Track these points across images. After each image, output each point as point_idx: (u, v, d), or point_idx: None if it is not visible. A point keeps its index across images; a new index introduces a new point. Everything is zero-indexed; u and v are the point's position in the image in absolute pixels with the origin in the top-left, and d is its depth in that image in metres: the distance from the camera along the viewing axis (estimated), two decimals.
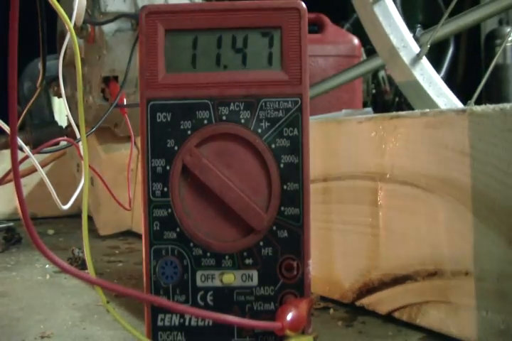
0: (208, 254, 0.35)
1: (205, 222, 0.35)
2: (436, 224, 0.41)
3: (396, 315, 0.45)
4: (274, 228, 0.35)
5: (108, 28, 0.70)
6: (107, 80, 0.74)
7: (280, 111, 0.34)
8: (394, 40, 0.60)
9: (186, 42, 0.35)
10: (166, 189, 0.35)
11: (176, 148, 0.34)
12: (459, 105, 0.60)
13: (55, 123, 0.80)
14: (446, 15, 0.61)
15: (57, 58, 0.54)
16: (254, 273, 0.35)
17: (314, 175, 0.47)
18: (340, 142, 0.51)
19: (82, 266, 0.66)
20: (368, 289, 0.48)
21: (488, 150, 0.36)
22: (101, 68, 0.72)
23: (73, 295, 0.58)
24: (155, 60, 0.34)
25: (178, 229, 0.35)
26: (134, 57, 0.63)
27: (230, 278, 0.35)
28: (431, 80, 0.59)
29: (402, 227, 0.45)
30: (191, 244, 0.34)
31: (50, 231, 0.98)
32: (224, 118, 0.35)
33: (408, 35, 0.62)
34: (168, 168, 0.35)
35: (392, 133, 0.45)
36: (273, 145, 0.34)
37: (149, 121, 0.34)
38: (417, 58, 0.59)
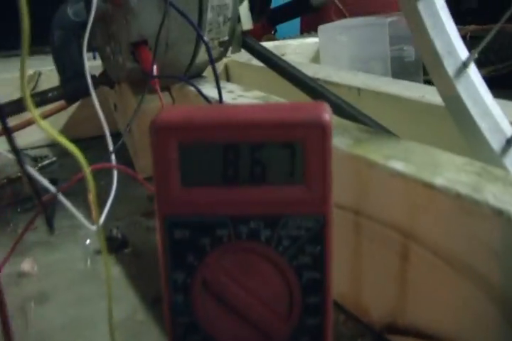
0: None
1: (228, 330, 0.34)
2: (458, 303, 0.37)
3: None
4: (295, 335, 0.33)
5: None
6: (136, 43, 0.69)
7: (302, 229, 0.32)
8: (438, 44, 0.48)
9: (201, 157, 0.32)
10: (187, 299, 0.34)
11: (195, 263, 0.33)
12: (506, 129, 0.46)
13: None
14: (502, 21, 0.46)
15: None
16: None
17: (345, 203, 0.45)
18: (372, 184, 0.43)
19: (121, 246, 0.64)
20: (394, 329, 0.44)
21: None
22: (129, 34, 0.68)
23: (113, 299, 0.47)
24: (169, 175, 0.32)
25: (201, 335, 0.34)
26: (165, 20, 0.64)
27: None
28: (476, 96, 0.47)
29: (428, 292, 0.40)
30: None
31: None
32: (244, 236, 0.32)
33: (456, 38, 0.47)
34: (188, 281, 0.33)
35: (424, 203, 0.38)
36: (294, 262, 0.32)
37: (167, 236, 0.33)
38: (462, 68, 0.47)
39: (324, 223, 0.32)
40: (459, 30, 1.19)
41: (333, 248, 0.32)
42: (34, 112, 0.35)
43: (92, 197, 0.37)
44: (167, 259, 0.34)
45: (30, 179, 0.38)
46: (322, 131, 0.30)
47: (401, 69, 1.03)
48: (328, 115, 0.30)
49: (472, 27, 1.28)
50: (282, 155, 0.31)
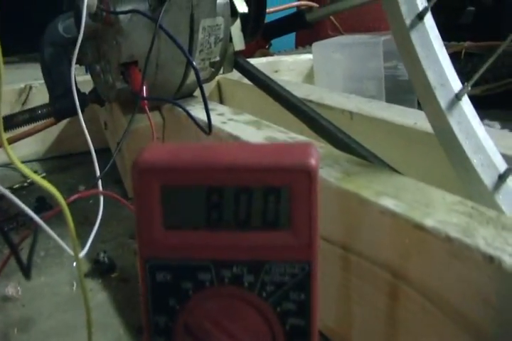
0: None
1: None
2: None
3: None
4: None
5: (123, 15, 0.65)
6: (126, 63, 0.68)
7: (286, 275, 0.31)
8: (430, 76, 0.46)
9: (184, 200, 0.30)
10: None
11: (177, 307, 0.32)
12: (499, 164, 0.44)
13: (78, 90, 0.70)
14: (499, 51, 0.45)
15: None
16: None
17: (334, 237, 0.44)
18: (362, 220, 0.41)
19: (108, 270, 0.63)
20: None
21: None
22: (119, 54, 0.67)
23: (97, 326, 0.51)
24: (151, 218, 0.30)
25: None
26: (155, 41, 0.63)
27: None
28: (469, 130, 0.45)
29: (417, 333, 0.38)
30: None
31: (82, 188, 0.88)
32: (226, 280, 0.31)
33: (449, 69, 0.45)
34: (170, 324, 0.32)
35: (414, 244, 0.37)
36: (278, 309, 0.31)
37: (149, 279, 0.32)
38: (455, 100, 0.45)
39: (310, 270, 0.30)
40: (454, 46, 1.18)
41: (319, 295, 0.31)
42: (3, 137, 0.34)
43: (70, 231, 0.36)
44: (149, 302, 0.32)
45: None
46: (308, 177, 0.29)
47: (395, 88, 1.02)
48: (314, 159, 0.29)
49: (467, 43, 1.28)
50: (267, 200, 0.30)
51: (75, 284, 0.61)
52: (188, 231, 0.31)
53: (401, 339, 0.40)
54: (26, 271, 0.38)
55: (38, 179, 0.32)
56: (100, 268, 0.63)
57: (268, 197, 0.30)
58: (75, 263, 0.65)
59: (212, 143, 0.53)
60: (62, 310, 0.56)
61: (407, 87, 1.01)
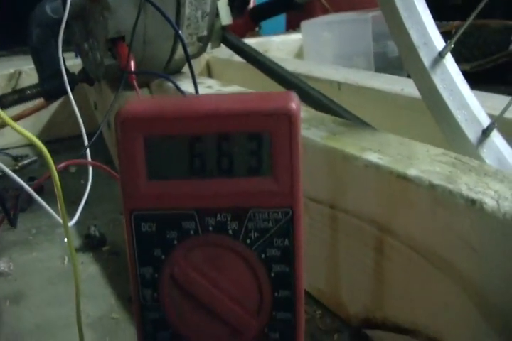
0: None
1: (197, 326, 0.32)
2: (434, 297, 0.37)
3: None
4: (266, 331, 0.32)
5: None
6: (113, 39, 0.68)
7: (270, 221, 0.30)
8: (413, 35, 0.45)
9: (167, 149, 0.30)
10: (155, 294, 0.32)
11: (162, 257, 0.32)
12: (482, 120, 0.44)
13: (67, 71, 0.70)
14: (476, 11, 0.46)
15: None
16: None
17: (321, 197, 0.44)
18: (347, 177, 0.42)
19: (99, 244, 0.64)
20: (371, 324, 0.44)
21: (497, 250, 0.32)
22: (106, 30, 0.68)
23: (89, 297, 0.52)
24: (135, 169, 0.30)
25: (170, 331, 0.33)
26: (141, 16, 0.63)
27: None
28: (452, 87, 0.45)
29: (405, 286, 0.39)
30: None
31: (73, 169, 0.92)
32: (210, 228, 0.31)
33: (433, 29, 0.44)
34: (156, 275, 0.32)
35: (398, 195, 0.37)
36: (263, 255, 0.31)
37: (134, 230, 0.32)
38: (438, 58, 0.45)
39: (292, 215, 0.30)
40: (444, 26, 1.18)
41: (303, 241, 0.31)
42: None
43: (58, 196, 0.36)
44: (134, 254, 0.32)
45: None
46: (289, 121, 0.29)
47: (385, 65, 1.02)
48: (295, 104, 0.29)
49: (457, 22, 1.28)
50: (249, 146, 0.30)
51: (66, 259, 0.61)
52: (172, 181, 0.31)
53: (388, 294, 0.40)
54: (12, 219, 0.38)
55: (28, 135, 0.33)
56: (91, 242, 0.63)
57: (249, 143, 0.30)
58: (66, 239, 0.66)
59: (194, 95, 0.54)
60: (53, 283, 0.57)
61: (397, 63, 1.01)
